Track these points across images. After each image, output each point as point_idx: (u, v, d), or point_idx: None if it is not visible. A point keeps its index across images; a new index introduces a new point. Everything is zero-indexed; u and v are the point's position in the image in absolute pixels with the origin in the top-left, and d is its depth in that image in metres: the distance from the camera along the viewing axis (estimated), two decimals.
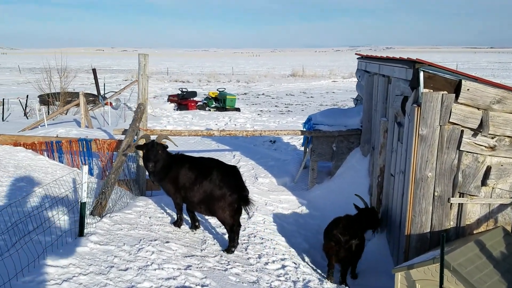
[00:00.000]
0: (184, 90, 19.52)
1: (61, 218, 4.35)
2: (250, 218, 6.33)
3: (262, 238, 5.59)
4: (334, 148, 7.78)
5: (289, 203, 7.52)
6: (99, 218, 4.79)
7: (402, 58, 5.36)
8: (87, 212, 4.93)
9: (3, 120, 14.14)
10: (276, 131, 7.76)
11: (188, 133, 7.15)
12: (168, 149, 5.24)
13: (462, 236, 4.66)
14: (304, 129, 8.63)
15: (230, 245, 4.95)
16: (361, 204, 5.73)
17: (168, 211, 5.75)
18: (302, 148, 10.78)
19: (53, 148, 7.06)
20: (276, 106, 21.72)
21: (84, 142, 7.10)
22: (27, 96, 16.01)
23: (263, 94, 27.67)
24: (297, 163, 9.21)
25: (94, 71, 17.91)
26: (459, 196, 4.58)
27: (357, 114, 7.89)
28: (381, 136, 6.14)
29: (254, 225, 6.10)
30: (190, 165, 5.06)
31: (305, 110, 20.11)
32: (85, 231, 4.25)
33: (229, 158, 9.44)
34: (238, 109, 19.04)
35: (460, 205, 4.61)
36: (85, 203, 4.16)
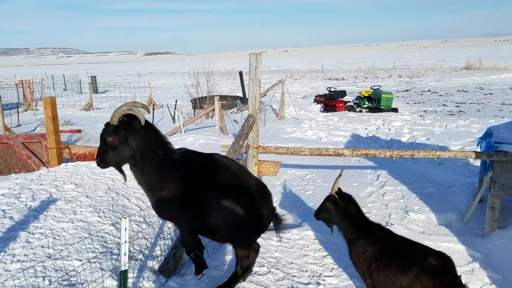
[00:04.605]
0: (332, 89, 17.77)
1: (106, 283, 3.21)
2: None
3: None
4: None
5: (453, 255, 5.15)
6: (166, 279, 3.55)
7: None
8: (155, 267, 3.77)
9: None
10: (435, 151, 5.50)
11: (309, 152, 5.51)
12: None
13: None
14: (480, 149, 6.06)
15: (231, 279, 3.58)
16: None
17: (276, 255, 4.21)
18: (478, 163, 8.02)
19: None
20: (444, 105, 18.24)
21: None
22: (176, 100, 16.45)
23: (428, 90, 24.01)
24: (468, 192, 6.65)
25: (240, 73, 17.61)
26: None
27: None
28: None
29: None
30: (202, 169, 3.25)
31: (482, 111, 16.28)
32: None
33: (371, 179, 7.41)
34: (395, 110, 16.44)
35: None
36: (126, 271, 2.92)
